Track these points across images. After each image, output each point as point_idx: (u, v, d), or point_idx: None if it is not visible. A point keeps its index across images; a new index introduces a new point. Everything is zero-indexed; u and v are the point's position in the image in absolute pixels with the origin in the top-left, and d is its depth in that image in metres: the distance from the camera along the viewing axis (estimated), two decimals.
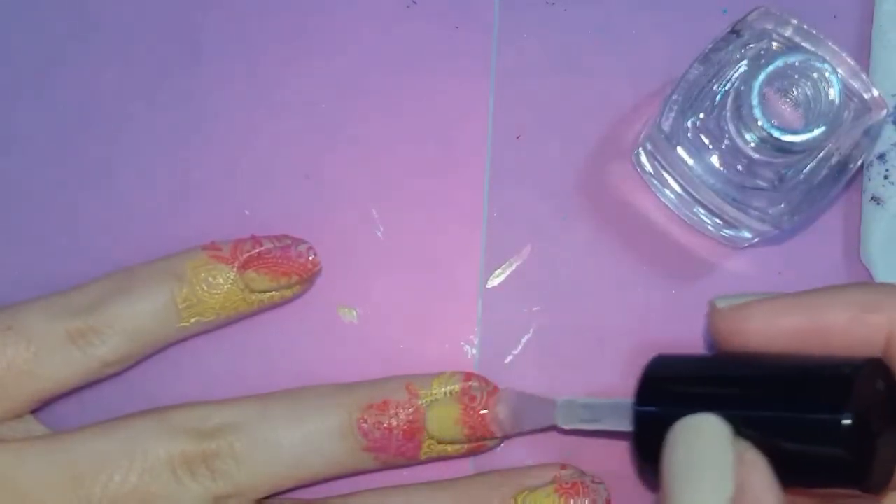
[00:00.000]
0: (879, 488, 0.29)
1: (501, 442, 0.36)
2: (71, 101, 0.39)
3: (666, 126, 0.34)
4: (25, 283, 0.36)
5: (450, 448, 0.36)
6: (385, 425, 0.35)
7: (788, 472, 0.28)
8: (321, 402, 0.35)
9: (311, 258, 0.36)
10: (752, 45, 0.34)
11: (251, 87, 0.39)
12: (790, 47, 0.34)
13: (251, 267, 0.35)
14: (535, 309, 0.38)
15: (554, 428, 0.35)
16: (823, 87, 0.33)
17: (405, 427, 0.35)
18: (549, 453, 0.37)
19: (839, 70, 0.33)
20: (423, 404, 0.35)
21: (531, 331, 0.38)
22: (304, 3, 0.40)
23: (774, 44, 0.34)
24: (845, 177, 0.34)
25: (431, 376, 0.36)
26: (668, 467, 0.29)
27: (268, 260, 0.36)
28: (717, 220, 0.37)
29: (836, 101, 0.33)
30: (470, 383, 0.35)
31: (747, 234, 0.37)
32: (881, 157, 0.38)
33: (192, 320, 0.35)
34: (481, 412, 0.35)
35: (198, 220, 0.38)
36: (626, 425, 0.32)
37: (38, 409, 0.35)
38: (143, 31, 0.40)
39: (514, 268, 0.39)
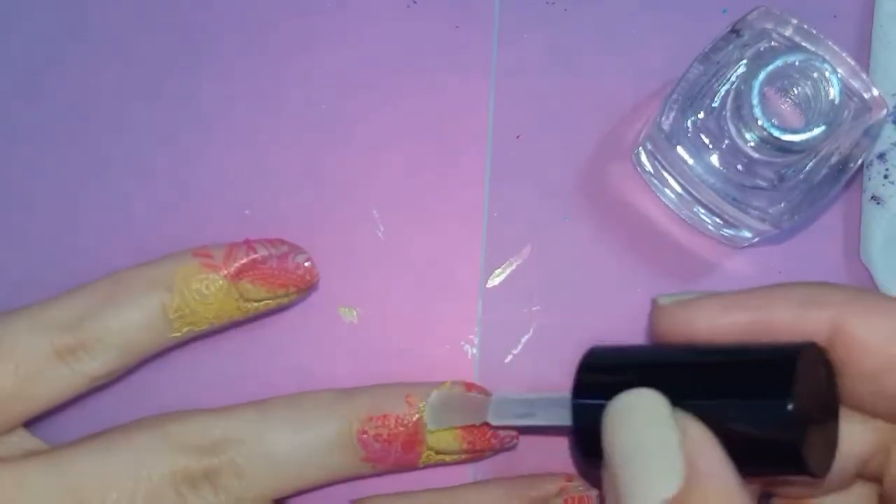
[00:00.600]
0: (821, 472, 0.28)
1: (499, 452, 0.36)
2: (71, 101, 0.39)
3: (666, 125, 0.34)
4: (25, 284, 0.36)
5: (448, 458, 0.35)
6: (384, 437, 0.34)
7: (734, 460, 0.27)
8: (321, 411, 0.34)
9: (308, 267, 0.35)
10: (752, 45, 0.34)
11: (251, 87, 0.39)
12: (790, 47, 0.34)
13: (245, 277, 0.35)
14: (535, 309, 0.38)
15: (487, 425, 0.35)
16: (823, 87, 0.33)
17: (404, 439, 0.35)
18: (553, 459, 0.37)
19: (839, 69, 0.33)
20: (422, 417, 0.35)
21: (531, 331, 0.38)
22: (304, 3, 0.40)
23: (774, 43, 0.34)
24: (845, 176, 0.34)
25: (431, 386, 0.35)
26: (610, 455, 0.28)
27: (263, 270, 0.35)
28: (717, 220, 0.37)
29: (836, 101, 0.33)
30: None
31: (747, 234, 0.37)
32: (881, 156, 0.38)
33: (185, 330, 0.35)
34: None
35: (198, 220, 0.38)
36: (564, 419, 0.31)
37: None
38: (144, 30, 0.40)
39: (514, 268, 0.39)
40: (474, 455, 0.36)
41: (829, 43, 0.34)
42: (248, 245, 0.35)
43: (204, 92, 0.39)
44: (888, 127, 0.38)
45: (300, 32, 0.40)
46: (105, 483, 0.32)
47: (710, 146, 0.35)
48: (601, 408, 0.29)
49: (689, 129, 0.35)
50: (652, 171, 0.38)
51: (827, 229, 0.39)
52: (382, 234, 0.39)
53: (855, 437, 0.30)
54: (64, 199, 0.39)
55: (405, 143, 0.39)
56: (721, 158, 0.35)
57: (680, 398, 0.28)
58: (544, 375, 0.38)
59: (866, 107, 0.34)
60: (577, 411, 0.30)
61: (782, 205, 0.34)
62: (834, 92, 0.33)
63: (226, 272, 0.34)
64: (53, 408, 0.34)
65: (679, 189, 0.37)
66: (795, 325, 0.29)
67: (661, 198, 0.39)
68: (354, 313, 0.38)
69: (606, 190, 0.39)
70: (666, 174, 0.37)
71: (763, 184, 0.34)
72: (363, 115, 0.39)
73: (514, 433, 0.36)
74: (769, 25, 0.34)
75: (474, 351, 0.38)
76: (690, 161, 0.34)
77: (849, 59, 0.34)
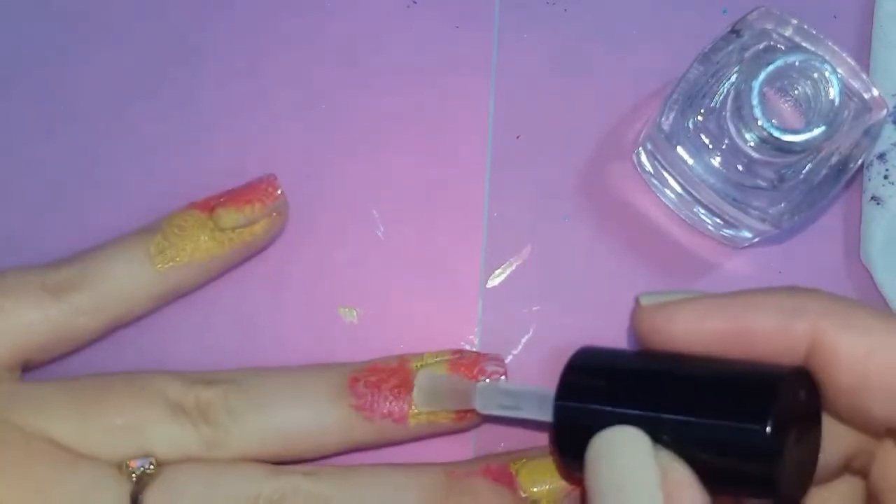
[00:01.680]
0: (794, 500, 0.29)
1: (487, 416, 0.36)
2: (70, 101, 0.39)
3: (666, 126, 0.34)
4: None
5: (438, 414, 0.35)
6: (373, 381, 0.35)
7: (707, 478, 0.28)
8: (317, 369, 0.35)
9: (272, 181, 0.36)
10: (752, 45, 0.34)
11: (251, 87, 0.39)
12: (790, 47, 0.34)
13: (219, 206, 0.36)
14: (535, 309, 0.38)
15: (473, 412, 0.35)
16: (823, 87, 0.33)
17: (393, 383, 0.35)
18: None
19: (839, 70, 0.33)
20: (413, 367, 0.35)
21: (531, 331, 0.38)
22: (304, 3, 0.40)
23: (774, 44, 0.34)
24: (845, 176, 0.34)
25: (425, 352, 0.36)
26: (593, 486, 0.28)
27: (232, 193, 0.36)
28: (717, 220, 0.37)
29: (836, 101, 0.33)
30: (461, 354, 0.36)
31: (747, 234, 0.37)
32: (881, 156, 0.38)
33: (168, 265, 0.35)
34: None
35: None
36: (546, 415, 0.32)
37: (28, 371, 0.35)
38: (144, 30, 0.40)
39: (514, 268, 0.39)
40: (463, 412, 0.35)
41: (829, 43, 0.34)
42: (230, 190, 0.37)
43: (203, 92, 0.39)
44: (888, 127, 0.38)
45: (300, 33, 0.40)
46: (103, 395, 0.34)
47: (710, 146, 0.35)
48: (580, 410, 0.30)
49: (690, 130, 0.35)
50: (652, 171, 0.38)
51: (827, 229, 0.39)
52: (382, 234, 0.39)
53: (839, 436, 0.30)
54: (64, 199, 0.39)
55: (405, 142, 0.39)
56: (721, 159, 0.35)
57: (658, 412, 0.28)
58: (544, 376, 0.38)
59: (866, 107, 0.34)
60: (558, 412, 0.31)
61: (782, 205, 0.34)
62: (834, 92, 0.33)
63: (203, 208, 0.36)
64: (43, 344, 0.34)
65: (679, 189, 0.37)
66: (775, 336, 0.29)
67: (661, 198, 0.39)
68: (354, 313, 0.38)
69: (606, 190, 0.39)
70: (666, 174, 0.37)
71: (763, 184, 0.34)
72: (363, 114, 0.39)
73: (501, 370, 0.36)
74: (769, 26, 0.34)
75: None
76: (690, 161, 0.34)
77: (849, 60, 0.34)
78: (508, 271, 0.39)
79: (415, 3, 0.40)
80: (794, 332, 0.29)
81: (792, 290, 0.30)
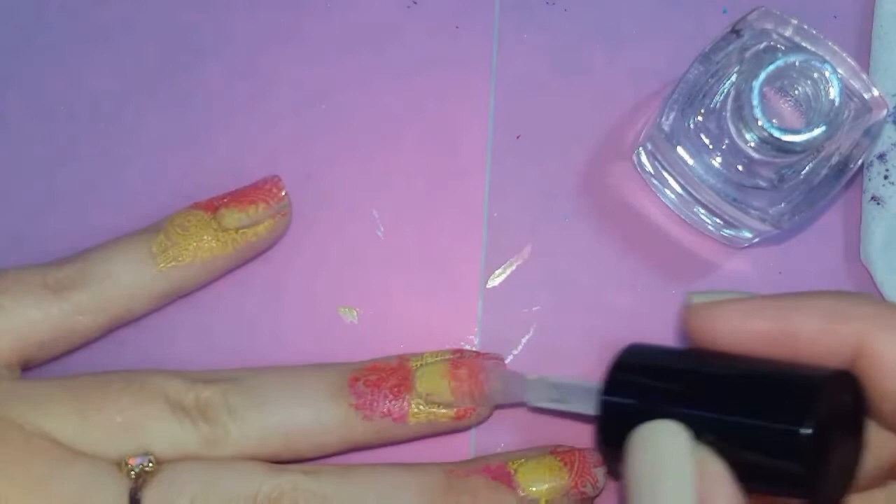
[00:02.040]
0: (832, 502, 0.29)
1: (491, 412, 0.36)
2: (70, 101, 0.39)
3: (666, 126, 0.34)
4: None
5: (438, 412, 0.35)
6: (373, 381, 0.35)
7: (745, 477, 0.28)
8: (317, 367, 0.36)
9: (274, 181, 0.36)
10: (752, 45, 0.34)
11: (251, 87, 0.39)
12: (790, 47, 0.34)
13: (223, 206, 0.36)
14: (535, 309, 0.38)
15: (523, 404, 0.35)
16: (823, 87, 0.33)
17: (393, 383, 0.35)
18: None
19: (839, 70, 0.33)
20: (413, 367, 0.35)
21: (531, 331, 0.38)
22: (304, 3, 0.40)
23: (775, 44, 0.34)
24: (845, 177, 0.34)
25: (424, 351, 0.36)
26: (631, 475, 0.28)
27: (236, 193, 0.36)
28: (718, 220, 0.37)
29: (837, 101, 0.32)
30: (461, 353, 0.36)
31: (747, 234, 0.37)
32: (881, 157, 0.38)
33: (170, 265, 0.35)
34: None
35: None
36: (592, 409, 0.32)
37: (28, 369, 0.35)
38: (144, 30, 0.39)
39: (514, 268, 0.39)
40: (463, 411, 0.35)
41: (830, 43, 0.34)
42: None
43: (203, 92, 0.39)
44: (888, 127, 0.38)
45: (300, 33, 0.40)
46: (103, 389, 0.34)
47: (711, 146, 0.35)
48: (624, 406, 0.30)
49: (690, 130, 0.35)
50: (652, 171, 0.38)
51: (827, 230, 0.39)
52: (382, 234, 0.39)
53: (884, 442, 0.30)
54: (64, 201, 0.39)
55: (405, 142, 0.39)
56: (721, 159, 0.34)
57: (701, 410, 0.29)
58: None
59: (866, 107, 0.34)
60: (604, 407, 0.31)
61: (782, 205, 0.34)
62: (834, 92, 0.33)
63: (207, 208, 0.36)
64: (44, 343, 0.34)
65: (679, 189, 0.37)
66: (820, 339, 0.29)
67: (662, 198, 0.39)
68: (354, 313, 0.38)
69: (607, 190, 0.39)
70: (666, 174, 0.37)
71: (763, 184, 0.34)
72: (363, 115, 0.39)
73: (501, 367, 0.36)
74: (769, 25, 0.34)
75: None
76: (691, 161, 0.34)
77: (849, 60, 0.34)
78: (508, 271, 0.39)
79: (415, 3, 0.40)
80: (839, 336, 0.29)
81: (839, 294, 0.30)
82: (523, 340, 0.38)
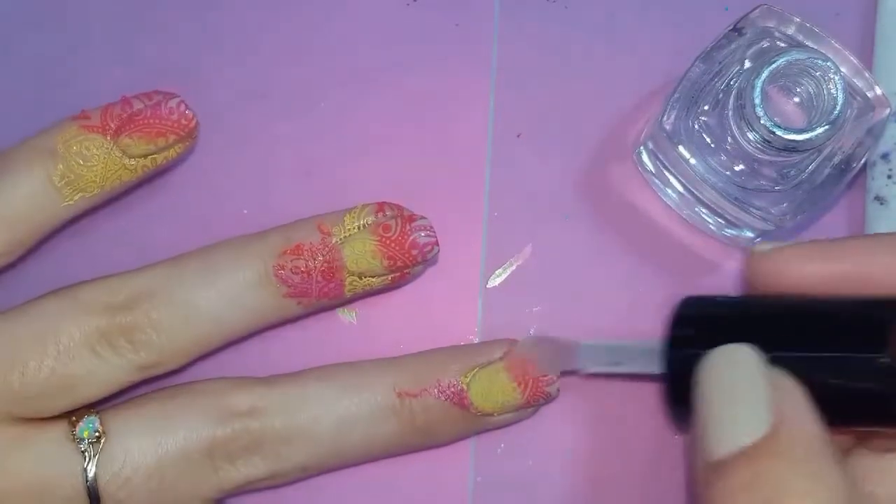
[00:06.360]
0: None
1: (425, 268, 0.36)
2: (70, 101, 0.39)
3: (668, 125, 0.34)
4: (25, 280, 0.36)
5: (374, 281, 0.35)
6: (303, 269, 0.34)
7: (825, 411, 0.28)
8: (234, 254, 0.34)
9: (182, 111, 0.35)
10: (754, 43, 0.34)
11: (250, 86, 0.39)
12: (793, 45, 0.34)
13: (124, 133, 0.34)
14: (535, 309, 0.38)
15: (576, 372, 0.35)
16: (826, 86, 0.33)
17: (323, 268, 0.34)
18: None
19: (842, 68, 0.33)
20: (337, 242, 0.35)
21: (531, 331, 0.38)
22: (304, 2, 0.40)
23: (777, 42, 0.34)
24: (848, 176, 0.34)
25: (343, 211, 0.35)
26: (703, 401, 0.28)
27: (140, 122, 0.34)
28: (719, 220, 0.37)
29: (839, 100, 0.32)
30: (383, 213, 0.35)
31: (749, 234, 0.37)
32: (885, 156, 0.38)
33: (77, 197, 0.34)
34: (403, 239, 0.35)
35: (196, 221, 0.38)
36: (653, 367, 0.32)
37: None
38: (143, 30, 0.39)
39: (514, 268, 0.38)
40: (399, 275, 0.35)
41: (832, 41, 0.34)
42: (124, 101, 0.35)
43: (203, 91, 0.39)
44: (892, 126, 0.38)
45: (300, 31, 0.39)
46: (14, 350, 0.33)
47: (713, 145, 0.34)
48: (693, 358, 0.29)
49: (692, 129, 0.34)
50: (653, 170, 0.38)
51: (830, 229, 0.39)
52: None
53: None
54: None
55: (405, 141, 0.39)
56: (723, 158, 0.34)
57: (772, 349, 0.29)
58: None
59: (869, 106, 0.34)
60: (671, 361, 0.31)
61: (784, 205, 0.34)
62: (837, 91, 0.32)
63: (105, 132, 0.34)
64: None
65: (681, 189, 0.37)
66: (890, 275, 0.29)
67: (663, 197, 0.38)
68: (354, 313, 0.38)
69: (607, 189, 0.39)
70: (668, 174, 0.37)
71: (765, 183, 0.34)
72: (363, 113, 0.39)
73: (433, 240, 0.35)
74: (771, 24, 0.34)
75: None
76: (692, 160, 0.34)
77: (852, 58, 0.34)
78: (508, 271, 0.38)
79: (414, 1, 0.40)
80: None
81: None
82: None
